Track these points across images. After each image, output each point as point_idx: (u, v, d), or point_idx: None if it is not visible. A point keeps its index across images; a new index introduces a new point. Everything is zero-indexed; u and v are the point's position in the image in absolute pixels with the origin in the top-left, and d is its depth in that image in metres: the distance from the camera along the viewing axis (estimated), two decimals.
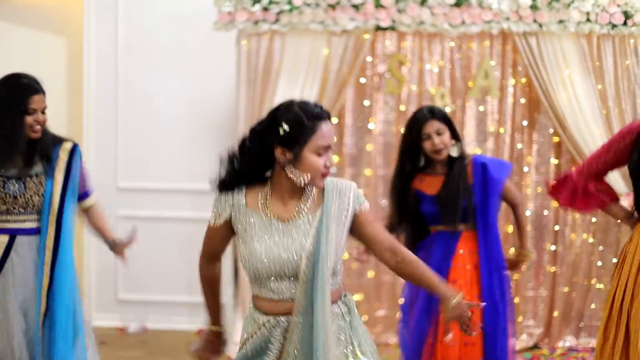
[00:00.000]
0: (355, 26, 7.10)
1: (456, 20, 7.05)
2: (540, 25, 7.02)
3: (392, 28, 7.14)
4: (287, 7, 7.05)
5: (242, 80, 7.31)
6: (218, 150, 7.75)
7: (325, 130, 3.33)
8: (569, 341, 7.46)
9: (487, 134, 7.42)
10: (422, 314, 5.17)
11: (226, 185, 3.44)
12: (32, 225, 4.68)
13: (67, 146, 4.77)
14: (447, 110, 7.22)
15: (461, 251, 5.18)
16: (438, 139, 5.11)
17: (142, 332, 7.84)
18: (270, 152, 3.33)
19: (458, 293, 3.47)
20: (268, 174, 3.44)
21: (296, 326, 3.29)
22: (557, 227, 7.46)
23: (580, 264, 7.44)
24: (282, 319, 3.34)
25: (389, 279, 7.45)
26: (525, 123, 7.41)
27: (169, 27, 7.78)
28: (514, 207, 5.41)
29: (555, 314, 7.45)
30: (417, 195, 5.23)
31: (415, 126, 5.16)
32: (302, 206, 3.39)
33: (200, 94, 7.82)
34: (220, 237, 3.52)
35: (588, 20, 7.01)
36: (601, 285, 7.36)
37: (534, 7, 6.97)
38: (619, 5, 6.97)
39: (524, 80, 7.39)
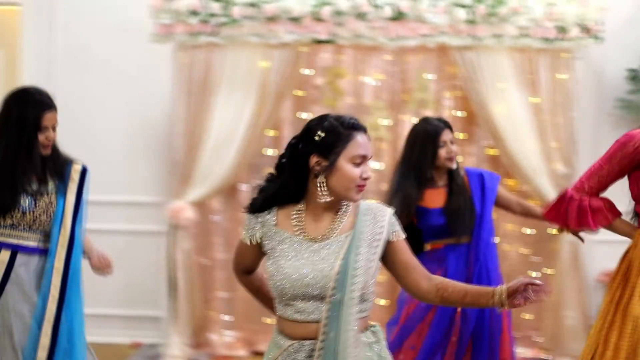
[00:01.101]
0: (294, 39, 7.11)
1: (393, 34, 7.09)
2: (477, 40, 7.09)
3: (330, 41, 7.17)
4: (225, 19, 7.04)
5: (180, 93, 7.29)
6: (154, 163, 7.75)
7: (362, 141, 3.28)
8: None
9: None
10: (438, 326, 5.25)
11: (257, 206, 3.37)
12: (34, 244, 4.58)
13: (78, 167, 4.71)
14: (385, 123, 7.28)
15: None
16: (452, 146, 5.24)
17: None
18: (305, 164, 3.28)
19: (498, 288, 3.27)
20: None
21: (320, 350, 3.21)
22: None
23: (515, 275, 7.48)
24: (306, 343, 3.26)
25: None
26: (461, 136, 7.47)
27: (106, 38, 7.71)
28: (515, 208, 5.63)
29: None
30: (417, 211, 5.28)
31: (432, 135, 5.23)
32: (336, 225, 3.32)
33: (137, 107, 7.76)
34: (251, 255, 3.47)
35: (524, 35, 7.10)
36: None
37: (470, 22, 7.04)
38: (553, 21, 7.07)
39: (460, 93, 7.46)
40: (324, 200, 3.28)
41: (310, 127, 3.32)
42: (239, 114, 7.22)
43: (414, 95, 7.34)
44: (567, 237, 7.19)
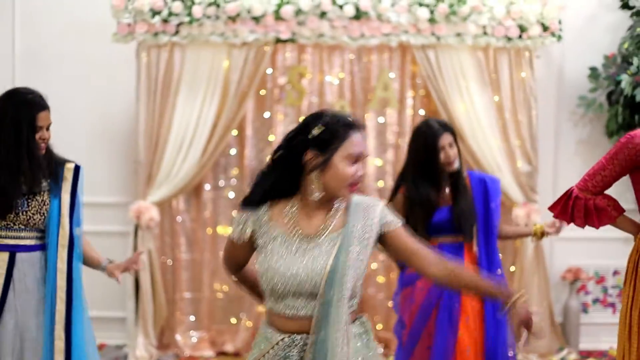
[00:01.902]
0: (256, 38, 7.11)
1: (355, 33, 7.11)
2: (438, 38, 7.13)
3: (292, 40, 7.18)
4: (186, 19, 7.03)
5: (142, 93, 7.27)
6: (118, 163, 7.70)
7: (358, 139, 3.28)
8: None
9: (386, 145, 7.49)
10: (443, 326, 5.27)
11: (250, 201, 3.36)
12: (31, 242, 4.54)
13: (71, 166, 4.66)
14: None
15: (466, 262, 5.33)
16: (451, 150, 5.25)
17: None
18: (300, 159, 3.27)
19: (520, 292, 3.31)
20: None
21: (312, 345, 3.22)
22: None
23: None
24: (297, 337, 3.27)
25: None
26: None
27: (67, 38, 7.66)
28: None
29: None
30: None
31: (431, 139, 5.26)
32: (328, 222, 3.32)
33: (100, 107, 7.72)
34: (242, 252, 3.46)
35: (485, 33, 7.15)
36: None
37: (432, 20, 7.06)
38: (514, 19, 7.11)
39: (422, 92, 7.50)
40: (313, 197, 3.28)
41: (307, 122, 3.32)
42: (202, 114, 7.21)
43: (377, 94, 7.36)
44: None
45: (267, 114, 7.48)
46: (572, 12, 7.42)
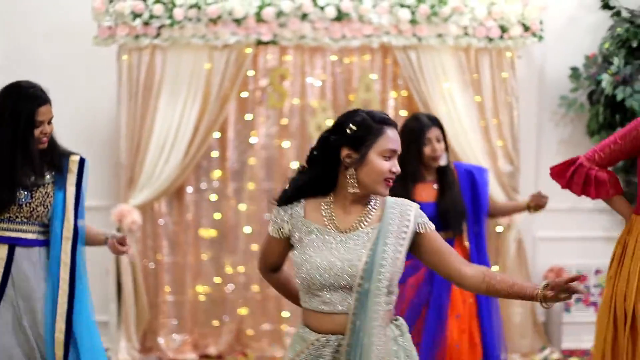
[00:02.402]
0: (237, 40, 7.09)
1: (337, 35, 7.10)
2: (420, 39, 7.13)
3: (274, 42, 7.16)
4: (168, 21, 7.01)
5: (123, 96, 7.24)
6: (99, 166, 7.67)
7: (392, 135, 3.35)
8: None
9: None
10: (432, 323, 5.29)
11: (286, 198, 3.43)
12: (33, 236, 4.52)
13: (76, 159, 4.65)
14: (329, 123, 7.28)
15: None
16: (438, 145, 5.26)
17: None
18: (336, 156, 3.34)
19: (541, 285, 3.29)
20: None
21: (347, 346, 3.26)
22: None
23: None
24: (332, 337, 3.31)
25: (274, 293, 7.44)
26: None
27: (48, 41, 7.60)
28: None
29: None
30: None
31: (417, 132, 5.29)
32: (364, 217, 3.38)
33: (81, 110, 7.65)
34: (279, 249, 3.52)
35: (466, 34, 7.15)
36: None
37: (413, 22, 7.07)
38: (495, 20, 7.12)
39: (404, 93, 7.50)
40: (352, 191, 3.34)
41: (341, 121, 3.39)
42: (184, 116, 7.20)
43: (359, 95, 7.35)
44: (513, 234, 7.27)
45: (248, 116, 7.46)
46: (553, 12, 7.43)
